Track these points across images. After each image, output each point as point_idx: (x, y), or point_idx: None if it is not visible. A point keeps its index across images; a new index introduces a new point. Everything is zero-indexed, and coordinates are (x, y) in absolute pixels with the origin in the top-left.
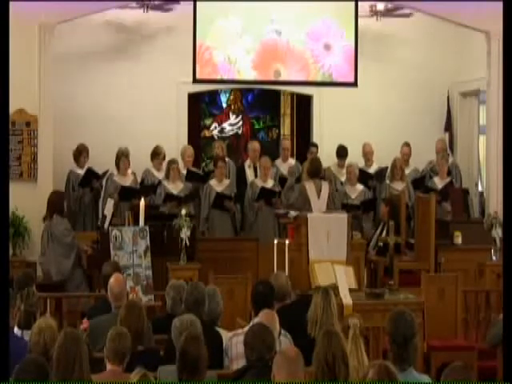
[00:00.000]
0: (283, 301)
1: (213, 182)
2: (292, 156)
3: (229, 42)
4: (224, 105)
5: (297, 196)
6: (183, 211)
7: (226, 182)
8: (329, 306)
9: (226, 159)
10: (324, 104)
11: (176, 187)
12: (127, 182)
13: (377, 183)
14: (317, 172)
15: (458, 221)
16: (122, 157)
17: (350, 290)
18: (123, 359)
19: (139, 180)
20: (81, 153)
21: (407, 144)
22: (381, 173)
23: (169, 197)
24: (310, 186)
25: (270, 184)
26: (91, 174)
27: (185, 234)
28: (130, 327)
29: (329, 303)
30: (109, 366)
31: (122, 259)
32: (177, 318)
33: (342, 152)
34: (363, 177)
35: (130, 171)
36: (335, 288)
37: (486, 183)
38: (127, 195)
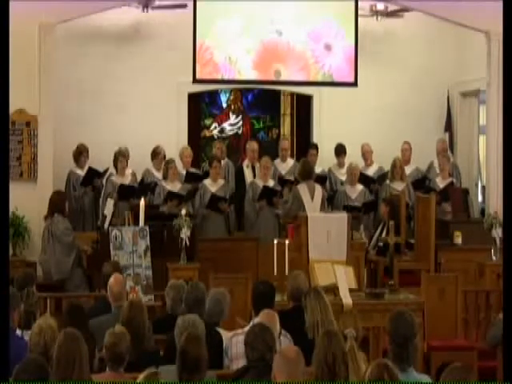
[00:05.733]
0: (300, 300)
1: (207, 182)
2: (292, 156)
3: (229, 41)
4: (224, 105)
5: (292, 200)
6: (183, 211)
7: (221, 182)
8: (324, 304)
9: (225, 159)
10: (324, 104)
11: (174, 187)
12: (125, 181)
13: (378, 186)
14: (309, 174)
15: (458, 221)
16: (119, 157)
17: (350, 290)
18: (121, 363)
19: (139, 180)
20: (81, 153)
21: (407, 142)
22: (383, 177)
23: (170, 194)
24: (303, 188)
25: (270, 184)
26: (93, 173)
27: (185, 234)
28: (132, 327)
29: (323, 301)
30: (108, 370)
31: (122, 259)
32: (180, 317)
33: (340, 149)
34: (365, 180)
35: (129, 171)
36: (335, 288)
37: (486, 183)
38: (126, 194)
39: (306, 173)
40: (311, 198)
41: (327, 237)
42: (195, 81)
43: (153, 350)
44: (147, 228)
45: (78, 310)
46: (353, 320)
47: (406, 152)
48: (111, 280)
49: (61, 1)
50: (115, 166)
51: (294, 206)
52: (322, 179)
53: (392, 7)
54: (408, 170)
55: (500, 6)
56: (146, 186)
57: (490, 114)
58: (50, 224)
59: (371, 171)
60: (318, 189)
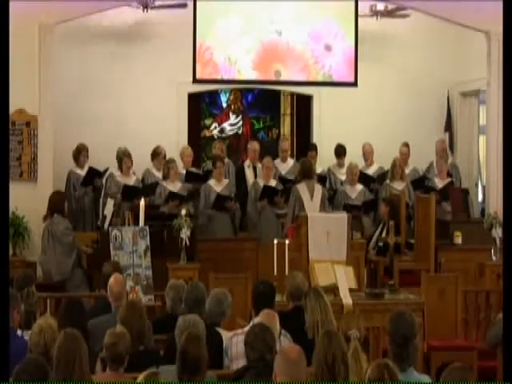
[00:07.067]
0: (299, 300)
1: (212, 182)
2: (292, 156)
3: (229, 41)
4: (224, 105)
5: (294, 201)
6: (183, 211)
7: (225, 181)
8: (324, 304)
9: (226, 159)
10: (324, 104)
11: (175, 187)
12: (130, 181)
13: (378, 186)
14: (308, 173)
15: (458, 221)
16: (124, 157)
17: (350, 290)
18: (121, 364)
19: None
20: (80, 152)
21: (406, 144)
22: (383, 177)
23: (171, 195)
24: (302, 187)
25: (272, 184)
26: (93, 173)
27: (185, 233)
28: (131, 327)
29: (323, 301)
30: (108, 371)
31: (122, 259)
32: (181, 317)
33: (340, 151)
34: (365, 179)
35: (131, 171)
36: (335, 288)
37: (486, 183)
38: (130, 194)
39: (306, 172)
40: (310, 197)
41: (327, 237)
42: (195, 81)
43: (153, 350)
44: (147, 228)
45: (75, 305)
46: (356, 320)
47: (405, 155)
48: (111, 280)
49: (61, 1)
50: (120, 166)
51: (297, 206)
52: (321, 179)
53: (392, 7)
54: (406, 170)
55: (500, 5)
56: (149, 187)
57: (489, 114)
58: (50, 224)
59: (371, 171)
60: (318, 188)
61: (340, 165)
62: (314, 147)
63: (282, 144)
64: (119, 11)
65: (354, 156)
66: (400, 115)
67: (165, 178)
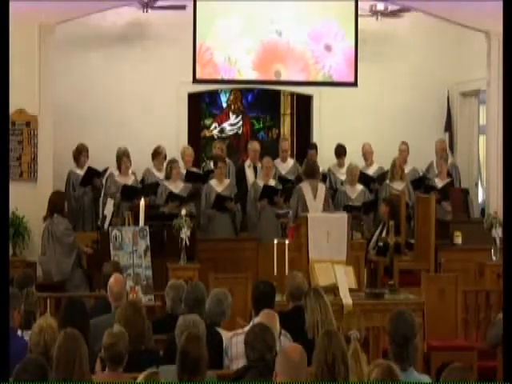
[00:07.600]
0: (299, 300)
1: (213, 182)
2: (292, 156)
3: (229, 42)
4: (224, 105)
5: (297, 200)
6: (183, 211)
7: (226, 181)
8: (324, 304)
9: (226, 160)
10: (324, 104)
11: (176, 187)
12: (129, 181)
13: (378, 186)
14: (312, 172)
15: (458, 221)
16: (123, 157)
17: (350, 290)
18: (120, 363)
19: (139, 180)
20: (80, 152)
21: (405, 143)
22: (383, 177)
23: (172, 196)
24: (305, 187)
25: (272, 184)
26: (92, 173)
27: (185, 233)
28: (131, 327)
29: (323, 301)
30: (107, 371)
31: (122, 259)
32: (182, 316)
33: (340, 151)
34: (365, 179)
35: (130, 171)
36: (335, 288)
37: (486, 183)
38: (129, 194)
39: (310, 171)
40: (314, 196)
41: (327, 237)
42: (195, 81)
43: (153, 350)
44: (147, 228)
45: (76, 305)
46: (356, 321)
47: (404, 153)
48: (111, 280)
49: (61, 1)
50: (119, 166)
51: (299, 206)
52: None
53: (392, 7)
54: (405, 168)
55: (500, 5)
56: (150, 187)
57: (490, 114)
58: (50, 224)
59: (371, 171)
60: (322, 187)
61: (340, 165)
62: (314, 146)
63: (282, 144)
64: (119, 11)
65: (353, 156)
66: (400, 115)
67: (167, 177)
